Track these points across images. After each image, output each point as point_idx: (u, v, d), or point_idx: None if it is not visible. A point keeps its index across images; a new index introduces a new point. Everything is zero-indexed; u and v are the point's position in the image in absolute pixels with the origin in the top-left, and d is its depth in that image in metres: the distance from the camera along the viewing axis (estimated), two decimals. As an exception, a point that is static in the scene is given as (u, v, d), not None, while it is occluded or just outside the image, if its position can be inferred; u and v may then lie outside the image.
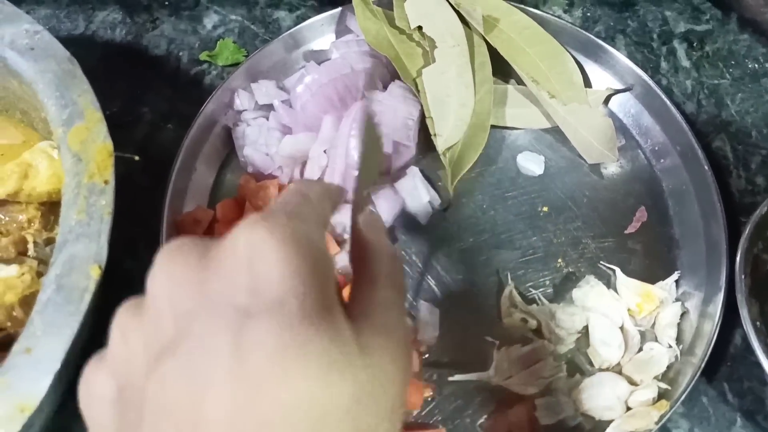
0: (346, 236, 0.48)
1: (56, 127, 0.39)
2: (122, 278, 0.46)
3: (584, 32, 0.55)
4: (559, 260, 0.49)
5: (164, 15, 0.59)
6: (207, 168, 0.51)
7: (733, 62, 0.59)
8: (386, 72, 0.54)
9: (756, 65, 0.58)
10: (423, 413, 0.43)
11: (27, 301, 0.38)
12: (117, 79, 0.56)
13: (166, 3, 0.60)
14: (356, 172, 0.48)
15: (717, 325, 0.44)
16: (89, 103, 0.40)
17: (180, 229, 0.46)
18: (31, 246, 0.41)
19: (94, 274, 0.33)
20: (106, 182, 0.37)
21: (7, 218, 0.43)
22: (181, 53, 0.58)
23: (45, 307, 0.31)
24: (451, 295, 0.47)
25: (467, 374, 0.44)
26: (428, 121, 0.51)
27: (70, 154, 0.38)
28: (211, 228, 0.47)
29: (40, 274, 0.39)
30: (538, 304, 0.45)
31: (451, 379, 0.44)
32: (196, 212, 0.47)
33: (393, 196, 0.50)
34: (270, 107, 0.53)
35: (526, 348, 0.44)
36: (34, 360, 0.30)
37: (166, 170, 0.48)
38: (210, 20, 0.59)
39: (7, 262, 0.39)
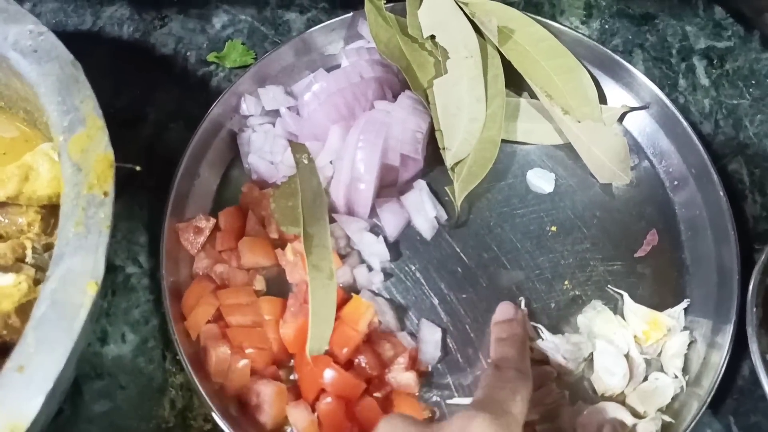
0: (349, 250, 0.47)
1: (57, 134, 0.38)
2: (124, 283, 0.46)
3: (601, 47, 0.54)
4: (566, 282, 0.48)
5: (173, 13, 0.58)
6: (211, 173, 0.50)
7: (753, 82, 0.57)
8: (396, 81, 0.52)
9: (778, 86, 0.57)
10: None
11: (24, 309, 0.38)
12: (123, 76, 0.55)
13: (175, 0, 0.59)
14: (363, 185, 0.47)
15: (726, 356, 0.43)
16: (91, 110, 0.39)
17: (181, 237, 0.46)
18: (29, 252, 0.40)
19: (91, 290, 0.32)
20: (105, 194, 0.36)
21: (6, 221, 0.43)
22: (188, 53, 0.57)
23: (39, 323, 0.31)
24: (454, 314, 0.46)
25: (467, 398, 0.43)
26: (437, 134, 0.50)
27: (70, 163, 0.37)
28: (212, 236, 0.46)
29: (37, 282, 0.38)
30: (542, 339, 0.44)
31: (449, 402, 0.43)
32: (198, 221, 0.46)
33: (398, 210, 0.49)
34: (277, 113, 0.52)
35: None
36: (27, 379, 0.29)
37: (171, 171, 0.47)
38: (219, 20, 0.58)
39: (5, 269, 0.38)
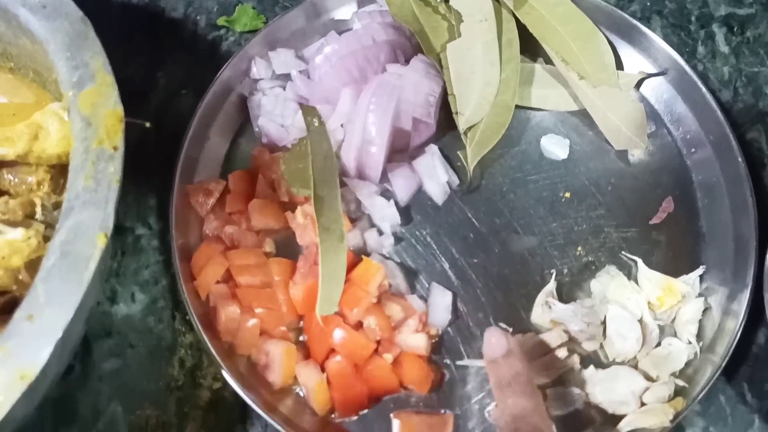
0: (359, 214, 0.47)
1: (66, 90, 0.38)
2: (133, 244, 0.46)
3: (619, 11, 0.53)
4: (579, 248, 0.47)
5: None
6: (220, 137, 0.49)
7: (775, 49, 0.56)
8: (409, 45, 0.52)
9: (799, 53, 0.55)
10: (430, 397, 0.42)
11: (33, 265, 0.37)
12: (132, 42, 0.54)
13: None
14: (374, 148, 0.47)
15: (741, 323, 0.42)
16: (101, 66, 0.38)
17: (191, 199, 0.45)
18: (39, 209, 0.40)
19: (100, 242, 0.32)
20: (115, 148, 0.35)
21: (16, 180, 0.42)
22: (198, 17, 0.56)
23: (49, 275, 0.31)
24: (465, 279, 0.46)
25: (477, 359, 0.43)
26: (450, 99, 0.49)
27: (79, 117, 0.36)
28: (222, 199, 0.46)
29: (47, 239, 0.38)
30: (550, 307, 0.44)
31: (460, 363, 0.43)
32: (207, 183, 0.46)
33: (410, 174, 0.48)
34: (287, 77, 0.51)
35: (542, 337, 0.42)
36: (37, 328, 0.29)
37: (180, 137, 0.47)
38: (229, -16, 0.57)
39: (14, 224, 0.38)
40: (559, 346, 0.42)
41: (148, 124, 0.40)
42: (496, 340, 0.40)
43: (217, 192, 0.45)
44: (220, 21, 0.55)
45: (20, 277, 0.37)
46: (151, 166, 0.49)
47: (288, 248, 0.45)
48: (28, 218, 0.40)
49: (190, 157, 0.47)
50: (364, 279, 0.41)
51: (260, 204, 0.45)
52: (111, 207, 0.33)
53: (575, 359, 0.42)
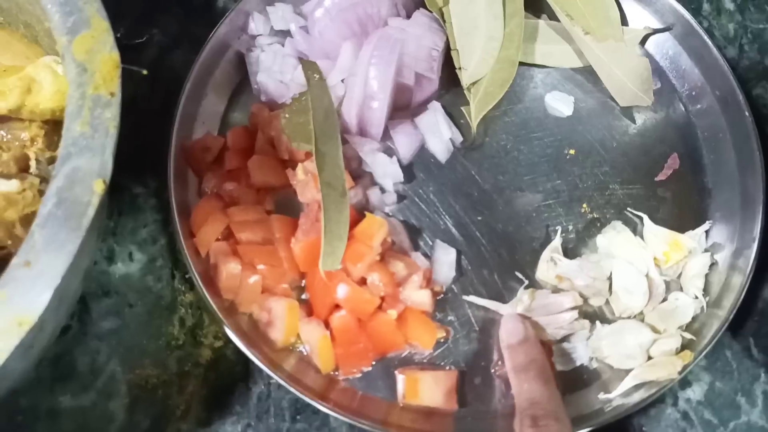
0: (361, 172, 0.46)
1: (60, 36, 0.36)
2: (130, 203, 0.45)
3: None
4: (584, 205, 0.47)
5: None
6: (217, 95, 0.48)
7: (781, 6, 0.55)
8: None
9: (807, 9, 0.54)
10: (435, 354, 0.42)
11: (28, 219, 0.36)
12: (127, -1, 0.52)
13: None
14: (376, 103, 0.46)
15: (747, 278, 0.42)
16: (95, 12, 0.37)
17: (188, 156, 0.44)
18: (33, 163, 0.39)
19: (98, 188, 0.31)
20: (112, 94, 0.34)
21: (9, 135, 0.41)
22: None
23: (46, 221, 0.30)
24: (469, 236, 0.45)
25: (485, 300, 0.42)
26: (453, 54, 0.48)
27: (74, 63, 0.35)
28: (221, 156, 0.45)
29: (41, 193, 0.37)
30: (556, 263, 0.43)
31: (466, 298, 0.43)
32: (205, 139, 0.45)
33: (412, 131, 0.47)
34: (285, 33, 0.50)
35: (556, 297, 0.42)
36: (34, 274, 0.28)
37: (176, 95, 0.45)
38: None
39: (8, 177, 0.37)
40: (573, 308, 0.41)
41: (145, 72, 0.38)
42: (512, 326, 0.40)
43: (215, 149, 0.44)
44: (215, -23, 0.53)
45: (15, 232, 0.36)
46: (144, 122, 0.47)
47: (288, 206, 0.44)
48: (22, 172, 0.39)
49: (187, 113, 0.45)
50: (368, 234, 0.40)
51: (260, 160, 0.44)
52: (109, 153, 0.32)
53: (584, 321, 0.42)
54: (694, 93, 0.50)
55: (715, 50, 0.49)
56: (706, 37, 0.49)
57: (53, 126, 0.42)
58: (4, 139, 0.41)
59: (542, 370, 0.38)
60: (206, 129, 0.46)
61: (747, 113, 0.46)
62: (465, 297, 0.43)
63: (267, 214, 0.42)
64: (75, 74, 0.35)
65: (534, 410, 0.36)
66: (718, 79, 0.49)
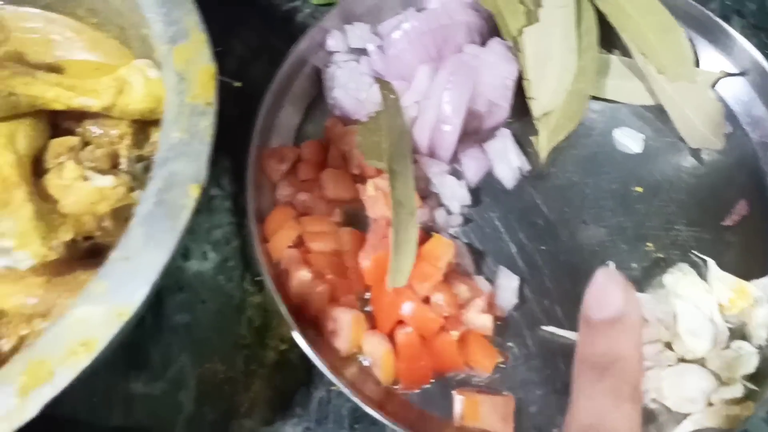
0: (429, 192, 0.47)
1: (160, 44, 0.38)
2: (207, 204, 0.46)
3: (700, 7, 0.52)
4: (649, 244, 0.47)
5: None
6: (294, 107, 0.50)
7: None
8: (486, 27, 0.51)
9: None
10: (493, 378, 0.42)
11: (116, 214, 0.38)
12: (208, 8, 0.54)
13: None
14: (448, 127, 0.47)
15: (814, 331, 0.41)
16: (194, 24, 0.39)
17: (265, 165, 0.46)
18: (124, 160, 0.41)
19: (194, 192, 0.32)
20: (208, 104, 0.36)
21: (100, 131, 0.43)
22: (275, -12, 0.56)
23: (145, 220, 0.31)
24: (532, 265, 0.45)
25: (560, 329, 0.42)
26: (525, 83, 0.49)
27: (173, 72, 0.37)
28: (295, 167, 0.46)
29: (131, 189, 0.39)
30: None
31: (545, 328, 0.43)
32: (281, 150, 0.46)
33: (481, 156, 0.48)
34: (361, 51, 0.51)
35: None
36: (133, 268, 0.30)
37: (255, 105, 0.47)
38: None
39: (102, 173, 0.39)
40: (658, 341, 0.41)
41: (237, 84, 0.40)
42: (611, 289, 0.26)
43: (290, 159, 0.46)
44: (297, -7, 0.55)
45: (104, 225, 0.38)
46: (224, 128, 0.49)
47: (356, 220, 0.45)
48: (113, 168, 0.40)
49: (265, 124, 0.47)
50: (434, 255, 0.41)
51: (333, 173, 0.45)
52: (203, 160, 0.34)
53: (670, 353, 0.41)
54: (765, 140, 0.50)
55: (790, 99, 0.48)
56: (782, 85, 0.49)
57: (140, 126, 0.45)
58: (95, 135, 0.44)
59: (629, 377, 0.24)
60: (282, 140, 0.48)
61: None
62: (543, 327, 0.43)
63: (337, 226, 0.43)
64: (174, 82, 0.37)
65: None
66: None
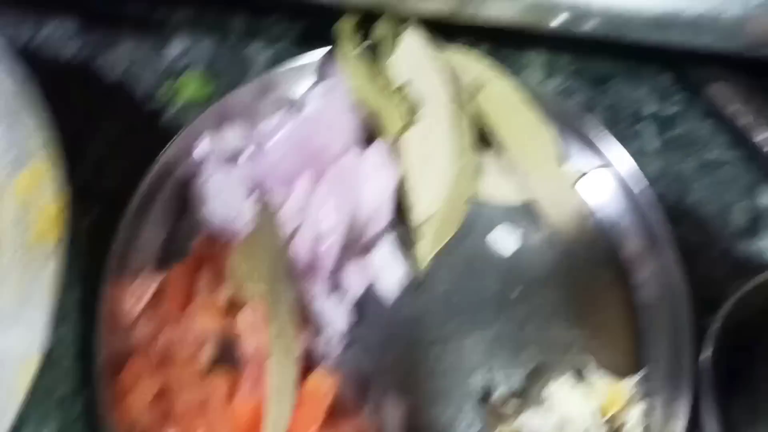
0: (308, 314, 0.45)
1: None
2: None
3: (565, 103, 0.54)
4: (529, 349, 0.47)
5: (124, 34, 0.53)
6: (158, 223, 0.45)
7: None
8: (367, 129, 0.50)
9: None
10: None
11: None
12: (63, 104, 0.48)
13: (127, 19, 0.53)
14: (329, 239, 0.45)
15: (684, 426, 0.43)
16: (39, 147, 0.34)
17: (123, 295, 0.41)
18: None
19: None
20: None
21: None
22: (139, 81, 0.51)
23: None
24: (419, 388, 0.44)
25: None
26: (404, 189, 0.48)
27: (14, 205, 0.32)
28: (157, 297, 0.42)
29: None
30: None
31: None
32: (141, 278, 0.42)
33: (363, 269, 0.47)
34: (236, 158, 0.48)
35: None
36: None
37: (108, 215, 0.42)
38: (176, 46, 0.53)
39: None
40: None
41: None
42: None
43: (151, 289, 0.42)
44: (164, 88, 0.51)
45: None
46: (73, 248, 0.44)
47: (230, 353, 0.42)
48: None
49: (123, 245, 0.42)
50: (315, 396, 0.39)
51: (201, 304, 0.41)
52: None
53: None
54: (627, 233, 0.52)
55: (645, 191, 0.50)
56: (642, 177, 0.50)
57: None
58: None
59: None
60: (144, 261, 0.44)
61: (672, 255, 0.48)
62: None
63: (206, 366, 0.40)
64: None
65: None
66: (644, 220, 0.50)
